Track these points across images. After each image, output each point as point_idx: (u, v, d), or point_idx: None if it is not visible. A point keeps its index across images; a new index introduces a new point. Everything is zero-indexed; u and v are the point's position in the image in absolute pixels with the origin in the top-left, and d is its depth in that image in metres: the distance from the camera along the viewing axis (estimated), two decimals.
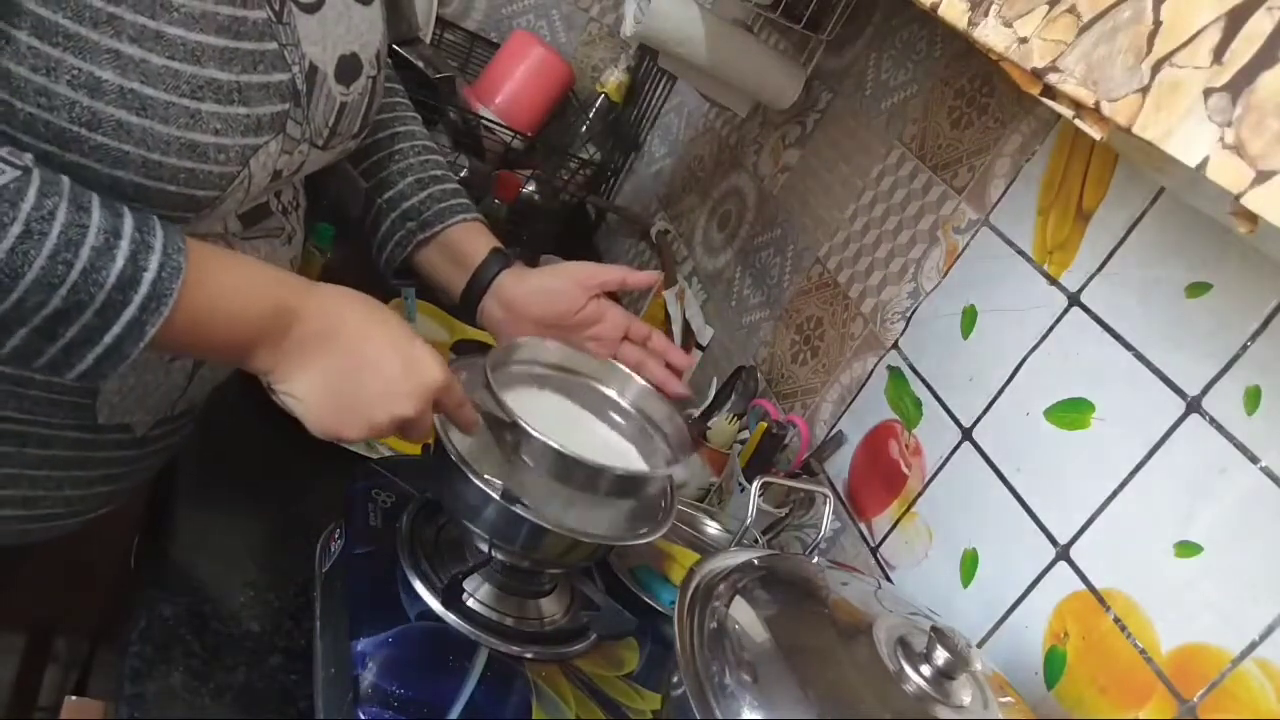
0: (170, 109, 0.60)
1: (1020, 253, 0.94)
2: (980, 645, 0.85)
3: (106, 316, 0.56)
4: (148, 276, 0.57)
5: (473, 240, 0.92)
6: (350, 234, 0.95)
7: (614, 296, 0.96)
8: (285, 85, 0.66)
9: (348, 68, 0.73)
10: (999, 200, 0.99)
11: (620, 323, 0.92)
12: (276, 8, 0.64)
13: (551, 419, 0.81)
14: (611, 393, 0.88)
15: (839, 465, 1.09)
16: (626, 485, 0.79)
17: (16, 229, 0.53)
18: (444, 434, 0.74)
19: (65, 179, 0.56)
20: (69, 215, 0.55)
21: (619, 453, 0.84)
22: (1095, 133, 0.53)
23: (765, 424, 1.07)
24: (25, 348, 0.56)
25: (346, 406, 0.66)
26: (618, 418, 0.87)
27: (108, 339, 0.57)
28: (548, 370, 0.86)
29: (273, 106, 0.65)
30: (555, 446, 0.72)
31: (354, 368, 0.66)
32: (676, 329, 1.41)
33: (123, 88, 0.58)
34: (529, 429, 0.72)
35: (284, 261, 0.79)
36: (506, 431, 0.74)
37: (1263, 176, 0.41)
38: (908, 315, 1.06)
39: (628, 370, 0.88)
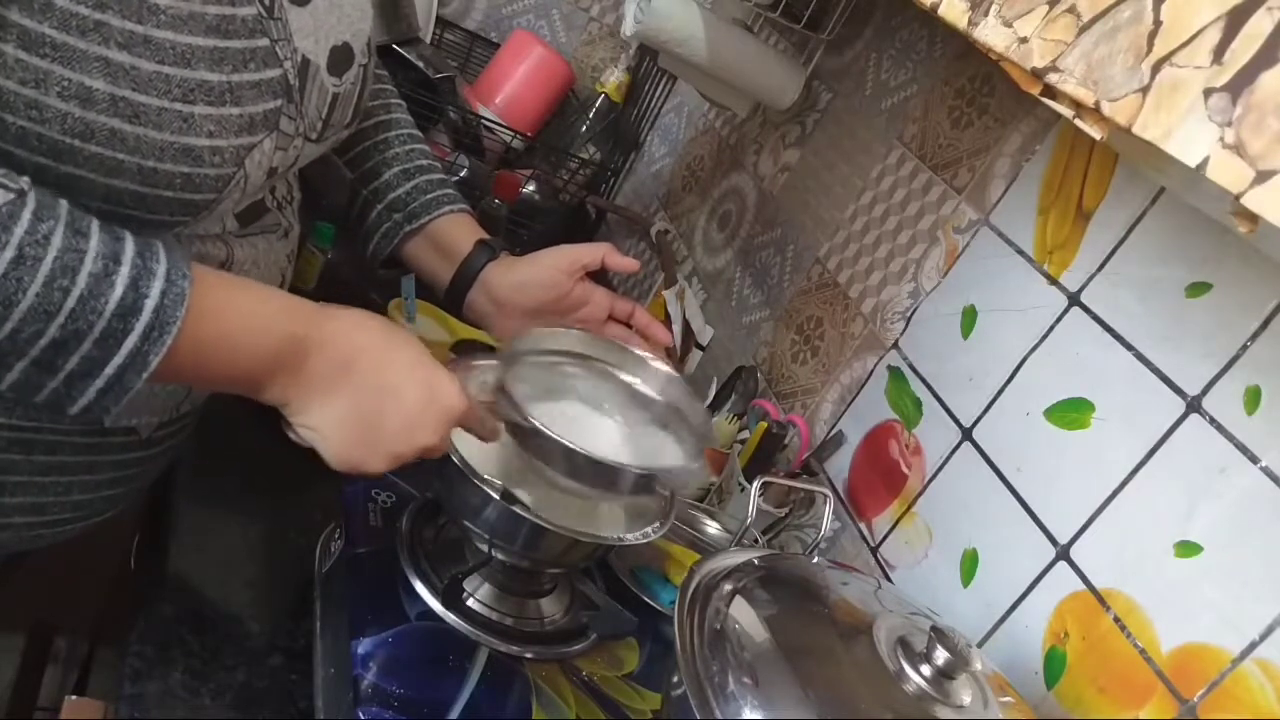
0: (163, 115, 0.59)
1: (1020, 253, 0.94)
2: (980, 645, 0.85)
3: (107, 346, 0.55)
4: (149, 304, 0.55)
5: (459, 232, 0.91)
6: (339, 224, 0.95)
7: (602, 279, 0.96)
8: (277, 82, 0.65)
9: (340, 58, 0.72)
10: (999, 200, 0.99)
11: (605, 303, 0.93)
12: (266, 3, 0.63)
13: (571, 415, 0.80)
14: (636, 381, 0.86)
15: (839, 465, 1.09)
16: (650, 481, 0.77)
17: (9, 254, 0.51)
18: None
19: (64, 203, 0.55)
20: (65, 240, 0.53)
21: (644, 447, 0.82)
22: (1095, 133, 0.53)
23: (765, 424, 1.07)
24: (25, 382, 0.55)
25: (370, 439, 0.65)
26: (642, 406, 0.85)
27: (109, 370, 0.55)
28: (565, 360, 0.85)
29: (266, 104, 0.64)
30: (580, 451, 0.70)
31: (376, 400, 0.65)
32: (676, 329, 1.41)
33: (114, 96, 0.57)
34: (553, 435, 0.70)
35: (281, 256, 0.79)
36: (527, 435, 0.72)
37: (1263, 176, 0.41)
38: (908, 315, 1.06)
39: (650, 358, 0.86)
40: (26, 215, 0.52)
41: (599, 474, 0.72)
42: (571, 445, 0.70)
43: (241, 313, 0.61)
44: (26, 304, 0.52)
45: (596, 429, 0.80)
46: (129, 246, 0.56)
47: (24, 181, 0.54)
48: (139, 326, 0.55)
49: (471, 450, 0.75)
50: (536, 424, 0.70)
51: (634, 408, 0.84)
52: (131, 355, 0.55)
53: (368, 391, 0.65)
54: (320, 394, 0.64)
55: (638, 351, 0.86)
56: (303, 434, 0.65)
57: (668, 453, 0.81)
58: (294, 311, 0.64)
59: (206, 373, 0.62)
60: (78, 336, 0.54)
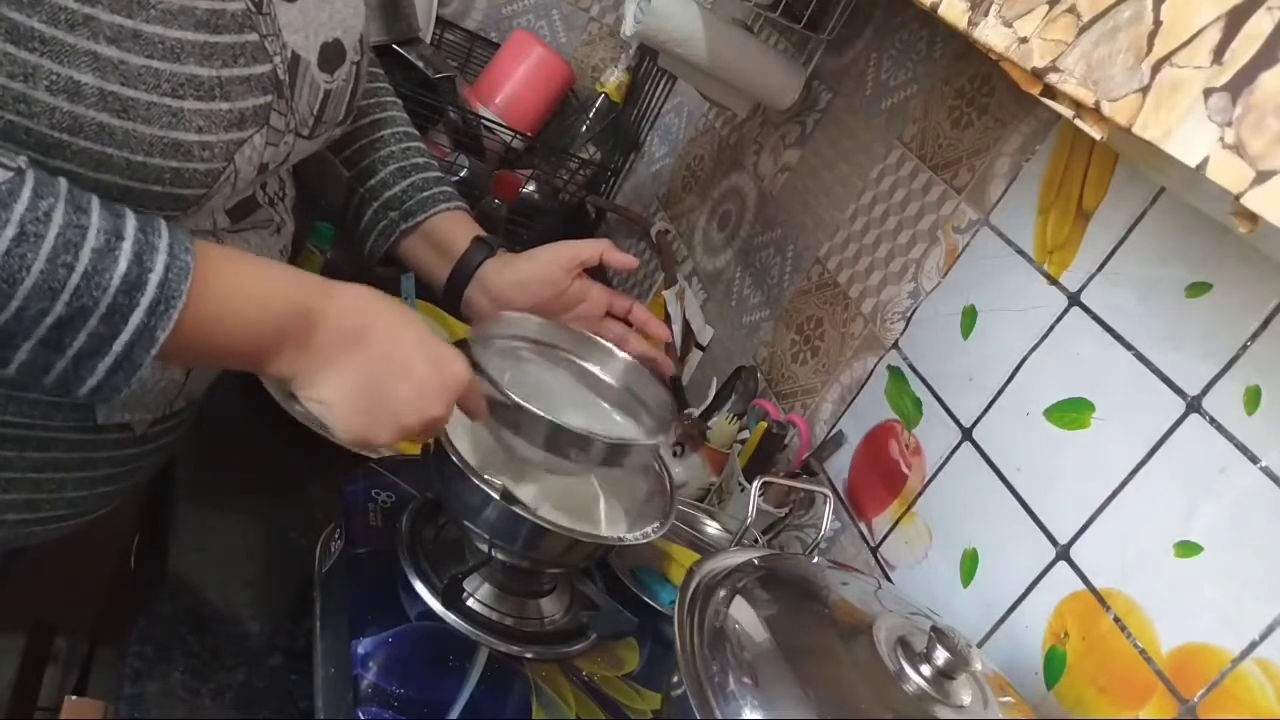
0: (152, 109, 0.59)
1: (1020, 253, 0.94)
2: (980, 645, 0.85)
3: (113, 323, 0.55)
4: (154, 278, 0.55)
5: (455, 230, 0.91)
6: (334, 221, 0.95)
7: (600, 278, 0.96)
8: (267, 77, 0.65)
9: (331, 55, 0.72)
10: (999, 200, 0.99)
11: (602, 300, 0.93)
12: None
13: (538, 395, 0.81)
14: (595, 368, 0.87)
15: (839, 465, 1.09)
16: (617, 454, 0.78)
17: (11, 231, 0.51)
18: (444, 433, 0.74)
19: (62, 181, 0.55)
20: (66, 216, 0.53)
21: (606, 426, 0.83)
22: (1095, 133, 0.53)
23: (765, 424, 1.07)
24: (32, 362, 0.55)
25: (378, 411, 0.65)
26: (602, 392, 0.86)
27: (117, 347, 0.55)
28: (529, 346, 0.85)
29: (255, 100, 0.64)
30: (550, 419, 0.71)
31: (384, 370, 0.65)
32: (676, 329, 1.41)
33: (103, 90, 0.57)
34: (524, 404, 0.71)
35: (274, 251, 0.79)
36: (503, 411, 0.73)
37: (1263, 176, 0.41)
38: (908, 315, 1.06)
39: (610, 345, 0.87)
40: (26, 193, 0.52)
41: (567, 444, 0.73)
42: (543, 415, 0.71)
43: (246, 285, 0.61)
44: (31, 282, 0.52)
45: (556, 410, 0.81)
46: (130, 222, 0.56)
47: (22, 159, 0.54)
48: (144, 301, 0.55)
49: (464, 447, 0.76)
50: (514, 397, 0.71)
51: (592, 392, 0.85)
52: (139, 331, 0.55)
53: (377, 363, 0.65)
54: (328, 366, 0.64)
55: (600, 340, 0.87)
56: (310, 407, 0.65)
57: (625, 433, 0.82)
58: (299, 283, 0.64)
59: (214, 346, 0.61)
60: (83, 313, 0.54)
